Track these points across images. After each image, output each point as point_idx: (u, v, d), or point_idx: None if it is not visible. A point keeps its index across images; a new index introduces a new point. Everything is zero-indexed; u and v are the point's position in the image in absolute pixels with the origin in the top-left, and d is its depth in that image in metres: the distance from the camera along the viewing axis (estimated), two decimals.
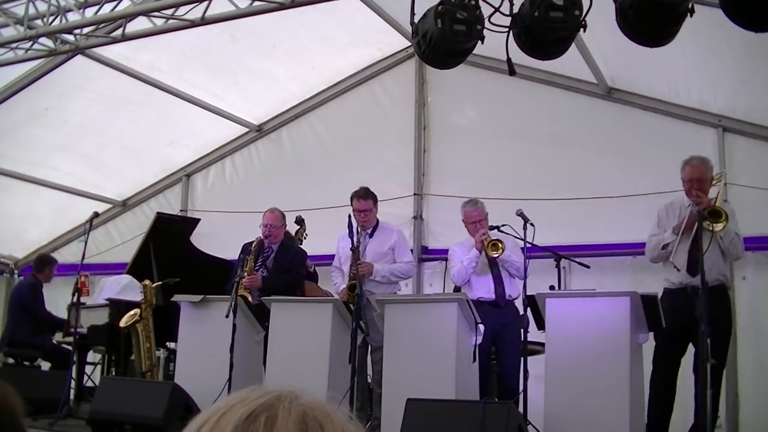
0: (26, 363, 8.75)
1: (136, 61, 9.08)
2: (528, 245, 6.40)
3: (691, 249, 6.00)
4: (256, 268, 7.41)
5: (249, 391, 1.01)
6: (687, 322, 5.61)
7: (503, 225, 6.94)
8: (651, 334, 5.91)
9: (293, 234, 8.24)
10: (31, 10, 7.45)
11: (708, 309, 5.29)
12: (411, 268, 7.64)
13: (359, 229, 7.19)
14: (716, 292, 5.89)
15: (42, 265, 9.35)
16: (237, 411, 0.96)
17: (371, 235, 7.34)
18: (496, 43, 5.42)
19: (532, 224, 6.38)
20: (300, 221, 8.33)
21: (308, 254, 8.07)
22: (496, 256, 6.74)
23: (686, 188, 6.20)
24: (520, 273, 6.69)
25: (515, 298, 6.70)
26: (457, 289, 7.19)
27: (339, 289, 7.28)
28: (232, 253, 8.03)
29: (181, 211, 11.03)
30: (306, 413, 0.96)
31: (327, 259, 8.23)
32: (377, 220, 7.45)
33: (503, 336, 6.66)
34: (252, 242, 7.44)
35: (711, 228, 5.70)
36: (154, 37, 7.74)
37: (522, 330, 6.17)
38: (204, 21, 6.96)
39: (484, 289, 6.86)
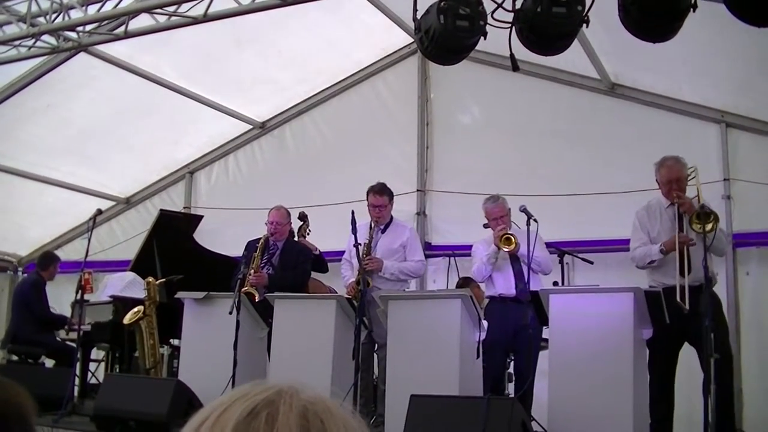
0: (30, 360, 8.76)
1: (139, 60, 9.10)
2: (542, 239, 6.42)
3: (685, 258, 5.98)
4: (262, 265, 7.40)
5: (250, 387, 1.01)
6: (680, 321, 5.64)
7: None
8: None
9: (297, 230, 8.24)
10: (34, 8, 7.44)
11: (711, 306, 5.33)
12: (421, 267, 7.54)
13: (372, 224, 7.19)
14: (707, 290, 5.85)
15: (45, 262, 9.37)
16: (238, 407, 0.96)
17: (383, 231, 7.31)
18: (498, 39, 5.41)
19: (535, 220, 6.38)
20: (303, 217, 8.34)
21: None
22: (507, 250, 6.72)
23: (665, 191, 6.17)
24: (542, 268, 6.71)
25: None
26: (463, 283, 7.18)
27: (347, 282, 7.26)
28: (235, 250, 8.04)
29: (184, 208, 11.04)
30: (307, 408, 0.97)
31: (330, 256, 8.25)
32: (391, 217, 7.43)
33: (524, 332, 6.61)
34: (257, 239, 7.43)
35: (703, 230, 5.67)
36: (157, 42, 7.75)
37: (541, 326, 6.19)
38: (206, 18, 6.95)
39: (505, 285, 6.83)
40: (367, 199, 7.25)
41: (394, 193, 7.46)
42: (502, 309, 6.51)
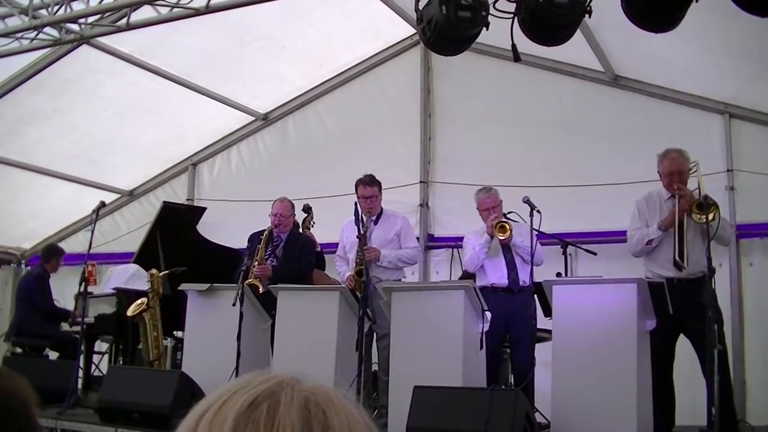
0: (34, 353, 8.78)
1: (142, 55, 9.08)
2: (535, 232, 6.41)
3: (677, 243, 5.99)
4: (266, 257, 7.41)
5: (251, 377, 1.00)
6: (676, 313, 5.63)
7: (510, 212, 6.95)
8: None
9: (301, 222, 8.24)
10: (36, 0, 7.44)
11: (709, 298, 5.34)
12: (417, 254, 7.62)
13: (364, 216, 7.19)
14: (703, 282, 5.83)
15: (49, 255, 9.39)
16: (239, 398, 0.96)
17: (376, 222, 7.34)
18: (501, 29, 5.40)
19: (538, 211, 6.39)
20: (308, 209, 8.34)
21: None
22: (502, 238, 6.72)
23: (666, 182, 6.18)
24: (534, 259, 6.70)
25: (529, 285, 6.65)
26: (467, 276, 7.19)
27: (344, 276, 7.28)
28: (238, 241, 8.05)
29: (187, 200, 11.04)
30: (308, 399, 0.96)
31: (333, 247, 8.24)
32: (381, 208, 7.45)
33: (516, 322, 6.64)
34: (261, 231, 7.44)
35: (703, 219, 5.66)
36: (161, 41, 7.72)
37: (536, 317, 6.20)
38: (208, 9, 6.94)
39: (497, 275, 6.82)
40: (357, 192, 7.27)
41: (397, 185, 7.48)
42: (494, 299, 6.48)
